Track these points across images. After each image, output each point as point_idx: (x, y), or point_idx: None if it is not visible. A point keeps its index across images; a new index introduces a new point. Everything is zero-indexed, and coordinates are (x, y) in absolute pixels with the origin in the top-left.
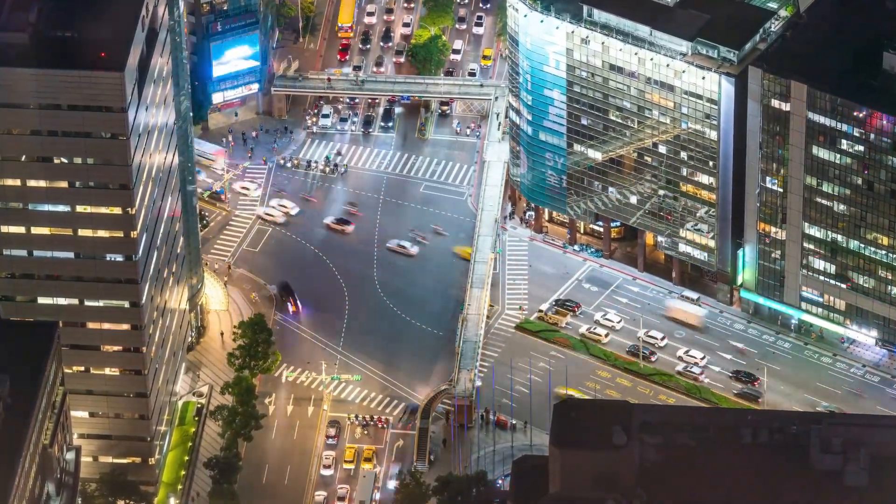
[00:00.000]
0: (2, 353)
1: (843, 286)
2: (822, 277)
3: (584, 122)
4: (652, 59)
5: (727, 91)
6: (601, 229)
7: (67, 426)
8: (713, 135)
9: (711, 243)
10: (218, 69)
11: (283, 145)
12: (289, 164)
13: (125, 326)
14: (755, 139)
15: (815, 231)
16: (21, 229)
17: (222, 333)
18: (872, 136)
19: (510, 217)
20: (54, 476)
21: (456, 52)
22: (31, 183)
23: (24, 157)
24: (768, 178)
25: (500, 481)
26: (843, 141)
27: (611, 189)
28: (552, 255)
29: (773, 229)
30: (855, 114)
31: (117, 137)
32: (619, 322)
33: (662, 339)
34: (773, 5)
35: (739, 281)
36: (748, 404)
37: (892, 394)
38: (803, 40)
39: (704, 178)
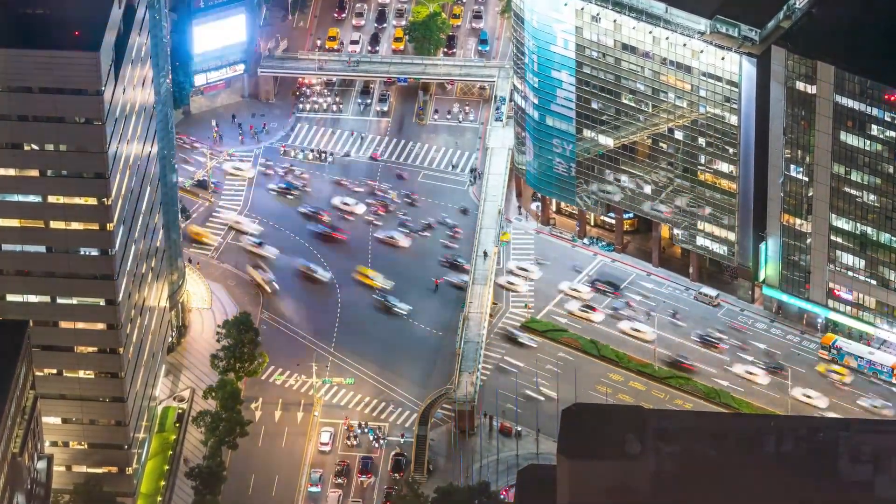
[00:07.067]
0: None
1: (873, 283)
2: (850, 273)
3: (594, 105)
4: (668, 39)
5: (748, 72)
6: (613, 221)
7: (38, 433)
8: (733, 120)
9: (731, 236)
10: (200, 49)
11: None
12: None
13: (100, 326)
14: (779, 124)
15: (843, 223)
16: None
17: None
18: None
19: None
20: (24, 487)
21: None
22: (0, 171)
23: None
24: (793, 167)
25: (503, 493)
26: (874, 126)
27: (623, 178)
28: (560, 249)
29: (798, 221)
30: (886, 97)
31: (92, 122)
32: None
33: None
34: None
35: (762, 277)
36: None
37: None
38: (830, 18)
39: (724, 167)
